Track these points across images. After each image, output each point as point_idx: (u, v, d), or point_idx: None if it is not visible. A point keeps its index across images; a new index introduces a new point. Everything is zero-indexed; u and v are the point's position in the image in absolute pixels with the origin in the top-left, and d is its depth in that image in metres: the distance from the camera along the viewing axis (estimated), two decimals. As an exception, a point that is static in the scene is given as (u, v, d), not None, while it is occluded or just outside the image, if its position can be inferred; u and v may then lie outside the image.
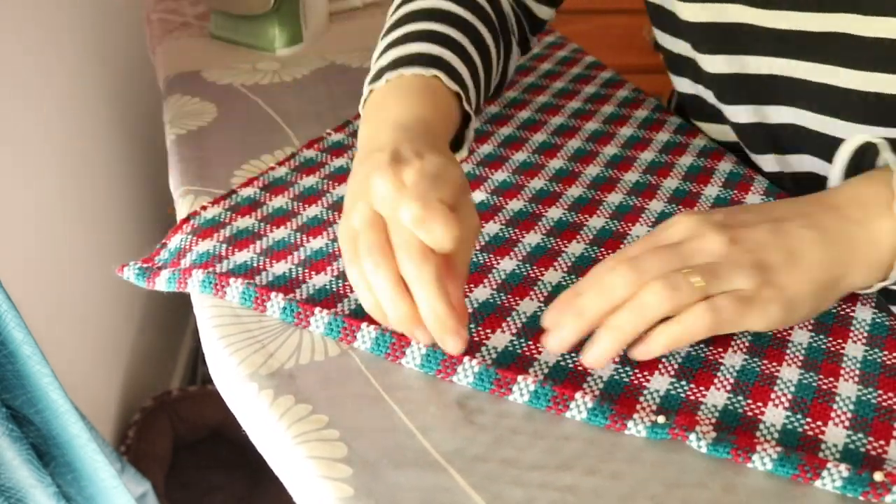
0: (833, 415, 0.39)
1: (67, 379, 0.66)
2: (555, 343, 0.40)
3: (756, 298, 0.39)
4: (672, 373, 0.41)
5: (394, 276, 0.39)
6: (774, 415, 0.39)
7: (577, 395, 0.39)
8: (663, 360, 0.42)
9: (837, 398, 0.40)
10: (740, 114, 0.59)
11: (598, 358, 0.39)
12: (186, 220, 0.53)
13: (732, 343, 0.43)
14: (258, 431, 0.41)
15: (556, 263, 0.49)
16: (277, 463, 0.39)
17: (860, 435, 0.38)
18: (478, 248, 0.51)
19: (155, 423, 1.14)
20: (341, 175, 0.59)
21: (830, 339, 0.44)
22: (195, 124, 0.67)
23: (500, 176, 0.59)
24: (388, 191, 0.40)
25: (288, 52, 0.81)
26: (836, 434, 0.38)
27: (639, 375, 0.41)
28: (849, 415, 0.39)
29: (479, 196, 0.56)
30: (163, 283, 0.48)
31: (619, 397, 0.40)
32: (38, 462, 0.63)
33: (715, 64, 0.57)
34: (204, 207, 0.54)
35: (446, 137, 0.49)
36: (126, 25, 1.20)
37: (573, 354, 0.42)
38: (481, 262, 0.50)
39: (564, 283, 0.48)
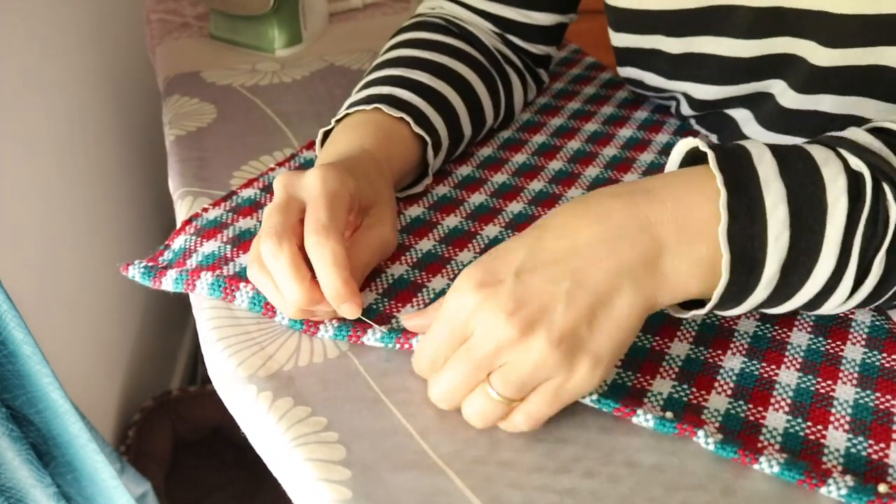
0: (832, 418, 0.39)
1: (67, 379, 0.67)
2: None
3: (567, 386, 0.36)
4: (673, 376, 0.41)
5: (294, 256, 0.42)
6: (775, 419, 0.39)
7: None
8: (664, 363, 0.42)
9: (835, 402, 0.40)
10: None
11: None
12: (189, 221, 0.53)
13: (731, 346, 0.43)
14: (257, 433, 0.41)
15: None
16: (276, 465, 0.39)
17: (860, 438, 0.38)
18: (478, 250, 0.51)
19: (155, 423, 1.14)
20: None
21: (829, 341, 0.44)
22: (194, 125, 0.67)
23: (500, 178, 0.59)
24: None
25: (287, 53, 0.81)
26: (836, 438, 0.38)
27: (640, 379, 0.41)
28: (847, 418, 0.39)
29: (478, 199, 0.56)
30: (169, 283, 0.48)
31: (623, 398, 0.40)
32: (38, 462, 0.63)
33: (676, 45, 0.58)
34: (205, 209, 0.54)
35: (380, 160, 0.51)
36: (126, 25, 1.20)
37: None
38: None
39: None
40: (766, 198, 0.36)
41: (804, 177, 0.37)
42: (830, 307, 0.40)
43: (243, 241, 0.51)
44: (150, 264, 0.50)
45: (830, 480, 0.35)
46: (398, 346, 0.42)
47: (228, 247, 0.51)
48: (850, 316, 0.45)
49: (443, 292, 0.47)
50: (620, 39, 0.61)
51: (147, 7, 0.95)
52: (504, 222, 0.54)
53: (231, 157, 0.62)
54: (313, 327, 0.44)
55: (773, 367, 0.42)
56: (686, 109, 0.63)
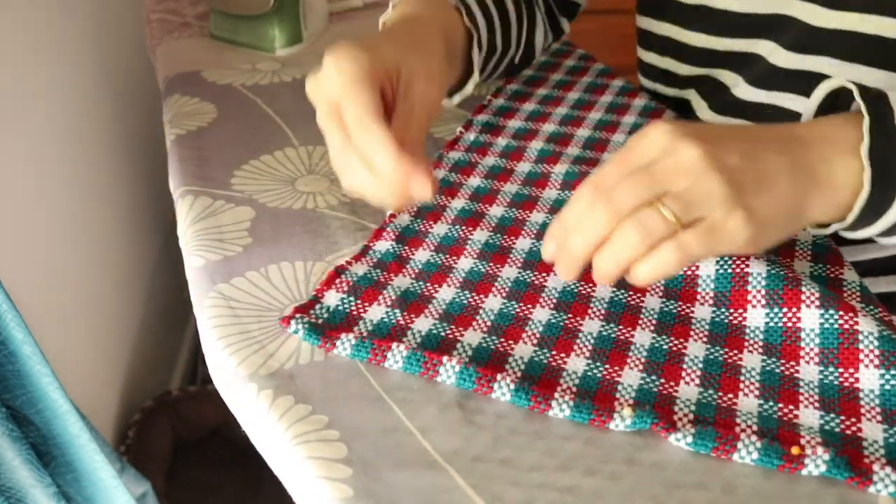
0: (802, 398, 0.40)
1: (67, 379, 0.67)
2: (562, 276, 0.43)
3: (724, 226, 0.39)
4: (640, 367, 0.42)
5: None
6: (746, 403, 0.40)
7: (499, 376, 0.41)
8: (630, 353, 0.43)
9: (801, 382, 0.41)
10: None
11: (601, 281, 0.42)
12: (336, 274, 0.48)
13: (692, 334, 0.45)
14: (258, 432, 0.41)
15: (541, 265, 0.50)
16: (277, 463, 0.39)
17: (832, 415, 0.39)
18: (476, 254, 0.51)
19: (155, 423, 1.14)
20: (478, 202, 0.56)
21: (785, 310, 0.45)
22: (195, 124, 0.67)
23: (490, 162, 0.59)
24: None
25: (288, 53, 0.81)
26: (809, 417, 0.39)
27: (612, 371, 0.42)
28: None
29: (491, 210, 0.56)
30: (347, 349, 0.43)
31: (539, 379, 0.41)
32: (38, 462, 0.63)
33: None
34: (349, 263, 0.50)
35: (431, 32, 0.53)
36: (126, 25, 1.20)
37: (495, 338, 0.44)
38: (481, 269, 0.50)
39: (522, 277, 0.48)
40: None
41: None
42: None
43: (409, 303, 0.47)
44: (312, 321, 0.45)
45: (739, 444, 0.37)
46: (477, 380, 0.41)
47: (398, 311, 0.46)
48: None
49: (449, 300, 0.47)
50: None
51: (147, 7, 0.95)
52: (506, 224, 0.54)
53: (231, 156, 0.62)
54: (380, 356, 0.42)
55: (735, 351, 0.43)
56: (682, 69, 0.67)
